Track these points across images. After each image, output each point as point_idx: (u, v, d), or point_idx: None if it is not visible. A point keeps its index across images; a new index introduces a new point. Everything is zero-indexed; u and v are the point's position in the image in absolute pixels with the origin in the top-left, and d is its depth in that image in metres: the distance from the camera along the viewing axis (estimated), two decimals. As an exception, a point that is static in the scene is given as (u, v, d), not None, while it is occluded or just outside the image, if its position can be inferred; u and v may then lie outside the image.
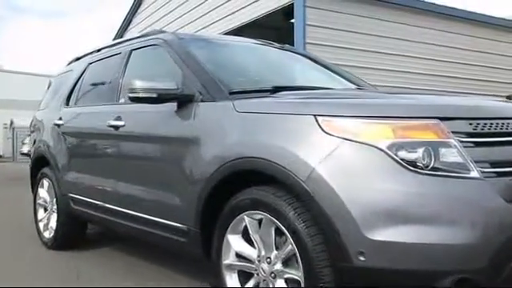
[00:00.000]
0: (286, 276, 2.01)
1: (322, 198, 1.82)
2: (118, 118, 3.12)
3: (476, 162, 1.79)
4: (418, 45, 8.53)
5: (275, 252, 2.04)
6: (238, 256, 2.22)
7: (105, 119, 3.25)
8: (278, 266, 2.02)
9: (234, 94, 2.49)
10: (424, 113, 1.90)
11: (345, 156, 1.84)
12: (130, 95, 2.60)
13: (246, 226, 2.16)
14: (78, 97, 4.08)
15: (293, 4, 7.55)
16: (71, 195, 3.74)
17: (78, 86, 4.13)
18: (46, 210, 4.26)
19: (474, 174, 1.78)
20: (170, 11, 11.41)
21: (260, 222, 2.11)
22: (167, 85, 2.57)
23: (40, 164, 4.35)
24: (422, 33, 8.56)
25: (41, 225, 4.28)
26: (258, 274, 2.12)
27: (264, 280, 2.08)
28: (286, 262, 2.01)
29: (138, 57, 3.39)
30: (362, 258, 1.74)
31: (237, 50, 3.42)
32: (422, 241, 1.70)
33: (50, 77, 5.51)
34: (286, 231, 1.95)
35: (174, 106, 2.62)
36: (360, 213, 1.75)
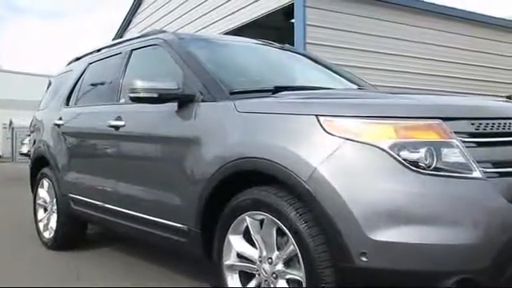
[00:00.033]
0: (288, 276, 2.00)
1: (324, 199, 1.81)
2: (119, 118, 3.12)
3: (478, 162, 1.79)
4: (417, 45, 8.54)
5: (277, 252, 2.04)
6: (240, 256, 2.21)
7: (105, 119, 3.24)
8: (280, 267, 2.02)
9: (235, 94, 2.48)
10: (426, 113, 1.89)
11: (347, 156, 1.83)
12: (131, 95, 2.59)
13: (247, 227, 2.16)
14: (78, 97, 4.07)
15: (293, 4, 7.55)
16: (71, 195, 3.74)
17: (78, 86, 4.12)
18: (45, 210, 4.26)
19: (477, 174, 1.78)
20: (170, 11, 11.40)
21: (261, 222, 2.10)
22: (168, 85, 2.57)
23: (40, 164, 4.34)
24: (422, 33, 8.57)
25: (41, 225, 4.27)
26: (259, 275, 2.11)
27: (265, 280, 2.08)
28: (288, 263, 2.00)
29: (138, 57, 3.38)
30: (364, 259, 1.74)
31: (237, 50, 3.42)
32: (425, 241, 1.70)
33: (49, 77, 5.50)
34: (287, 232, 1.95)
35: (174, 105, 2.62)
36: (362, 213, 1.75)
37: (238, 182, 2.20)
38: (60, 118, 4.06)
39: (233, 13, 9.04)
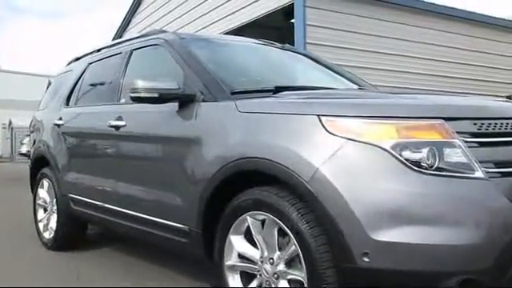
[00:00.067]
0: (289, 277, 2.00)
1: (326, 199, 1.81)
2: (119, 118, 3.11)
3: (480, 162, 1.79)
4: (417, 45, 8.54)
5: (278, 253, 2.03)
6: (241, 257, 2.21)
7: (105, 119, 3.23)
8: (281, 267, 2.01)
9: (236, 93, 2.48)
10: (428, 113, 1.89)
11: (349, 156, 1.83)
12: (132, 95, 2.59)
13: (248, 227, 2.15)
14: (78, 97, 4.06)
15: (293, 4, 7.55)
16: (71, 196, 3.73)
17: (78, 86, 4.11)
18: (45, 210, 4.25)
19: (479, 174, 1.77)
20: (170, 11, 11.39)
21: (263, 222, 2.10)
22: (169, 85, 2.56)
23: (40, 164, 4.33)
24: (422, 33, 8.57)
25: (40, 225, 4.27)
26: (260, 275, 2.10)
27: (267, 281, 2.07)
28: (289, 263, 2.00)
29: (138, 57, 3.37)
30: (366, 259, 1.73)
31: (238, 50, 3.41)
32: (427, 241, 1.70)
33: (48, 77, 5.50)
34: (289, 232, 1.94)
35: (175, 105, 2.61)
36: (364, 213, 1.74)
37: (239, 182, 2.20)
38: (60, 118, 4.06)
39: (233, 13, 9.03)
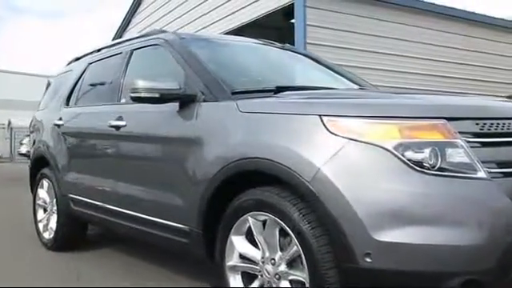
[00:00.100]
0: (291, 277, 1.99)
1: (328, 199, 1.80)
2: (120, 118, 3.10)
3: (483, 162, 1.78)
4: (416, 45, 8.54)
5: (279, 253, 2.02)
6: (242, 257, 2.20)
7: (106, 119, 3.23)
8: (283, 268, 2.01)
9: (237, 93, 2.47)
10: (431, 113, 1.88)
11: (350, 156, 1.82)
12: (132, 95, 2.58)
13: (249, 227, 2.15)
14: (78, 97, 4.06)
15: (293, 4, 7.55)
16: (71, 196, 3.72)
17: (78, 86, 4.11)
18: (45, 210, 4.24)
19: (481, 174, 1.77)
20: (170, 11, 11.39)
21: (264, 222, 2.09)
22: (169, 85, 2.56)
23: (40, 164, 4.32)
24: (421, 33, 8.57)
25: (40, 225, 4.26)
26: (262, 276, 2.10)
27: (268, 281, 2.06)
28: (291, 264, 1.99)
29: (139, 57, 3.37)
30: (368, 260, 1.73)
31: (238, 50, 3.41)
32: (429, 242, 1.69)
33: (48, 77, 5.48)
34: (290, 232, 1.93)
35: (176, 106, 2.60)
36: (366, 214, 1.73)
37: (240, 182, 2.19)
38: (60, 118, 4.05)
39: (233, 13, 9.03)
